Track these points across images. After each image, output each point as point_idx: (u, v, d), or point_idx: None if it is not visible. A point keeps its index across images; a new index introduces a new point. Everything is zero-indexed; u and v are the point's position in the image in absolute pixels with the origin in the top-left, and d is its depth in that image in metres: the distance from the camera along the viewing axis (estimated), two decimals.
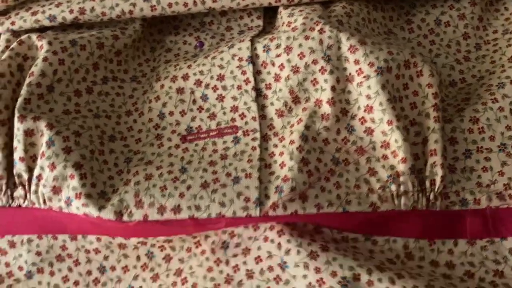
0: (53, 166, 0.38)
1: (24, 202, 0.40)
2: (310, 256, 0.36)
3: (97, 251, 0.40)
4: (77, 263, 0.40)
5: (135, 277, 0.39)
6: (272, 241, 0.38)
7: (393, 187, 0.38)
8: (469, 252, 0.38)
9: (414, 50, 0.44)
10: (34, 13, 0.47)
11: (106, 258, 0.40)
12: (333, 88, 0.40)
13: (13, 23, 0.47)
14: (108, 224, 0.38)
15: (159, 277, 0.39)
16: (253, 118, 0.42)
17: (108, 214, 0.37)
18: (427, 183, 0.39)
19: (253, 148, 0.41)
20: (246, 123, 0.42)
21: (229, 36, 0.50)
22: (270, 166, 0.40)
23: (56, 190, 0.39)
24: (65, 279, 0.40)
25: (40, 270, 0.41)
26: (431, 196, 0.39)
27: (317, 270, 0.36)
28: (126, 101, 0.46)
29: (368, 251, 0.38)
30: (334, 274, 0.35)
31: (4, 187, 0.40)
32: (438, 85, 0.41)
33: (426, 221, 0.39)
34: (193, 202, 0.38)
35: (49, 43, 0.43)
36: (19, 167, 0.39)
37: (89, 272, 0.40)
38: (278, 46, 0.43)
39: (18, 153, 0.39)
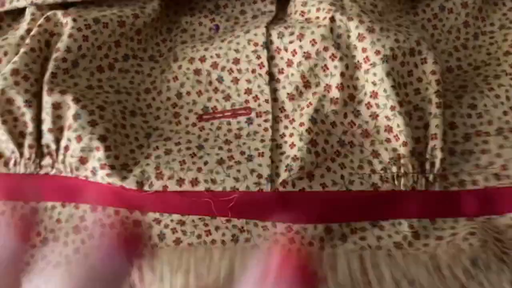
0: (79, 138, 0.41)
1: (51, 170, 0.43)
2: None
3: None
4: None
5: None
6: None
7: (394, 169, 0.41)
8: (471, 224, 0.40)
9: (421, 35, 0.45)
10: None
11: None
12: (342, 74, 0.43)
13: None
14: (129, 193, 0.41)
15: None
16: (266, 101, 0.45)
17: (130, 183, 0.40)
18: (427, 165, 0.41)
19: (265, 129, 0.44)
20: (259, 105, 0.45)
21: (243, 20, 0.52)
22: (280, 146, 0.42)
23: (83, 161, 0.41)
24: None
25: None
26: (430, 178, 0.41)
27: None
28: (145, 79, 0.48)
29: (376, 238, 0.40)
30: None
31: (33, 156, 0.43)
32: (441, 73, 0.43)
33: (425, 201, 0.41)
34: (209, 176, 0.41)
35: (74, 20, 0.46)
36: (48, 137, 0.42)
37: None
38: (291, 34, 0.45)
39: (47, 124, 0.42)
